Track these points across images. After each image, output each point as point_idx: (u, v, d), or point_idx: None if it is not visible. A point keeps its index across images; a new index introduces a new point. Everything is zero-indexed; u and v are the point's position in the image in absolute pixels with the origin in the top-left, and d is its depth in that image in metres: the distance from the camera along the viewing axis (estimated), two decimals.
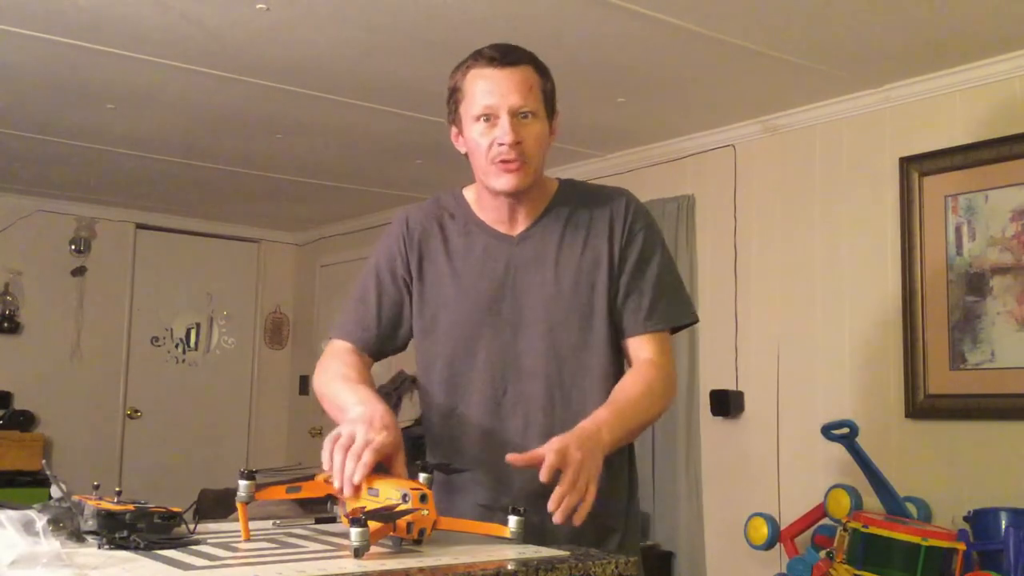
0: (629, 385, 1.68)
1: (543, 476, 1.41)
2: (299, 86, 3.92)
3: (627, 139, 4.64)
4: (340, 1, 3.11)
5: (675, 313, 1.77)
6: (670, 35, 3.29)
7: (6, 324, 6.02)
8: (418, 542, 1.33)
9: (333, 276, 6.86)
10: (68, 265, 6.29)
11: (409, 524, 1.30)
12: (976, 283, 3.50)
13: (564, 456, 1.42)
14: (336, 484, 1.40)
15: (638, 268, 1.73)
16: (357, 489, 1.38)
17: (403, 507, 1.30)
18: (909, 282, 3.66)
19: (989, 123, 3.51)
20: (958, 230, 3.57)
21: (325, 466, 1.42)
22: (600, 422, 1.55)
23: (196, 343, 6.89)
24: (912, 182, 3.70)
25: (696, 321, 1.82)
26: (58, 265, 6.26)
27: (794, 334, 4.06)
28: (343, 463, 1.38)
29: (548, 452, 1.42)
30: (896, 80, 3.72)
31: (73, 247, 6.30)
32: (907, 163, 3.72)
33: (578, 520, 1.41)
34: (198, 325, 6.91)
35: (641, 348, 1.73)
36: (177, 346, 6.80)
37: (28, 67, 3.76)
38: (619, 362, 1.77)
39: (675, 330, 1.79)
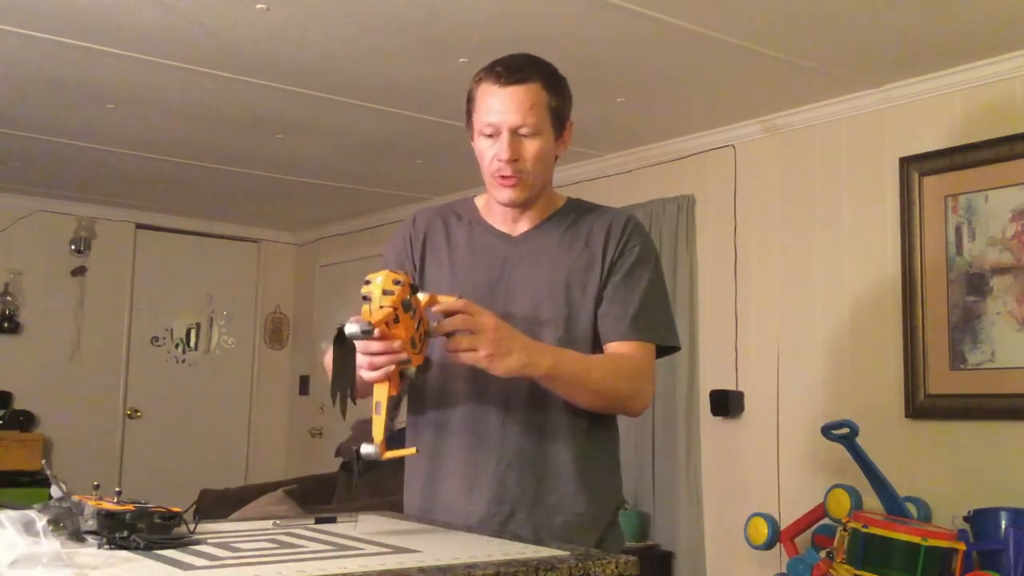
0: (598, 355, 1.73)
1: (437, 307, 1.52)
2: (299, 86, 3.92)
3: (627, 139, 4.64)
4: (340, 1, 3.11)
5: (662, 331, 1.78)
6: (670, 35, 3.29)
7: (6, 324, 6.03)
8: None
9: (333, 276, 6.86)
10: (68, 265, 6.29)
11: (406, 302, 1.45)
12: (976, 283, 3.50)
13: (476, 317, 1.51)
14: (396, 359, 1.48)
15: (627, 278, 1.76)
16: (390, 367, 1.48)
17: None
18: (909, 282, 3.66)
19: (989, 123, 3.51)
20: (958, 230, 3.57)
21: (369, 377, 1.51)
22: (551, 352, 1.61)
23: (196, 343, 6.89)
24: (912, 182, 3.70)
25: (679, 348, 1.82)
26: (58, 265, 6.26)
27: (794, 334, 4.06)
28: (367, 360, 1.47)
29: (468, 306, 1.52)
30: (896, 80, 3.72)
31: (73, 247, 6.30)
32: (907, 163, 3.72)
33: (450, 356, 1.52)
34: (198, 325, 6.91)
35: (622, 350, 1.73)
36: (177, 346, 6.81)
37: (28, 67, 3.76)
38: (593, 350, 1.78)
39: (660, 353, 1.78)
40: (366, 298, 1.45)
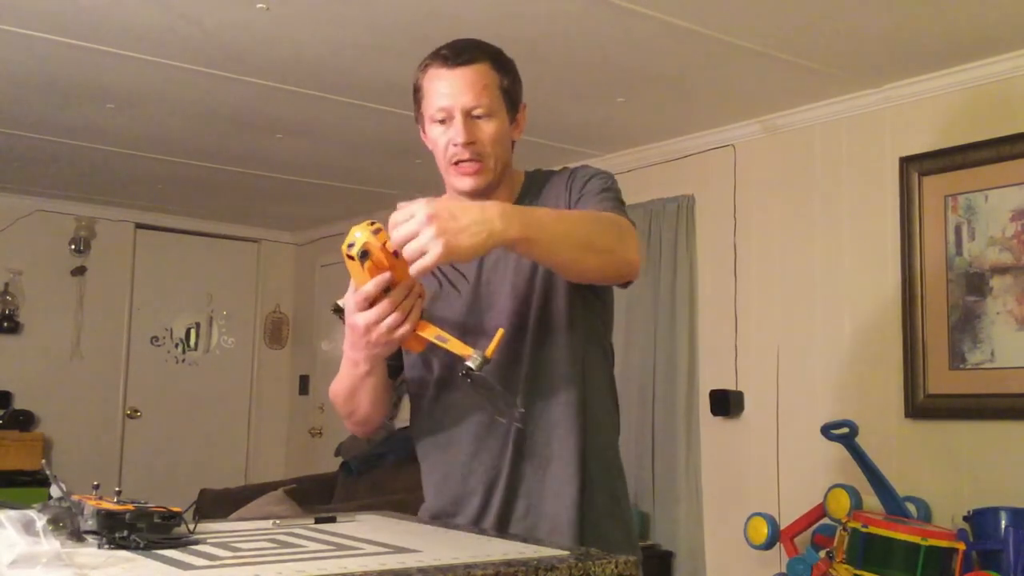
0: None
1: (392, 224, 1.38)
2: (299, 86, 3.92)
3: (627, 139, 4.64)
4: (340, 1, 3.11)
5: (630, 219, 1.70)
6: (670, 35, 3.29)
7: (6, 324, 6.02)
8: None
9: (333, 276, 6.86)
10: (68, 265, 6.29)
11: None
12: (976, 283, 3.50)
13: (407, 208, 1.35)
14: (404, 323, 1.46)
15: (588, 189, 1.69)
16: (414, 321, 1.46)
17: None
18: (909, 282, 3.66)
19: (989, 123, 3.51)
20: (958, 230, 3.57)
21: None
22: (509, 209, 1.41)
23: (196, 343, 6.89)
24: (912, 182, 3.70)
25: (631, 282, 1.70)
26: (58, 265, 6.26)
27: (794, 334, 4.06)
28: (391, 320, 1.44)
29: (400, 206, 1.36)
30: (896, 80, 3.72)
31: (73, 247, 6.30)
32: (907, 163, 3.72)
33: (415, 268, 1.34)
34: (198, 325, 6.91)
35: None
36: (177, 346, 6.81)
37: (28, 67, 3.76)
38: (583, 344, 1.69)
39: (622, 285, 1.69)
40: (365, 254, 1.39)
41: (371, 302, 1.44)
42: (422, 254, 1.32)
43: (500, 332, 1.45)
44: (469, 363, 1.41)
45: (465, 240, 1.33)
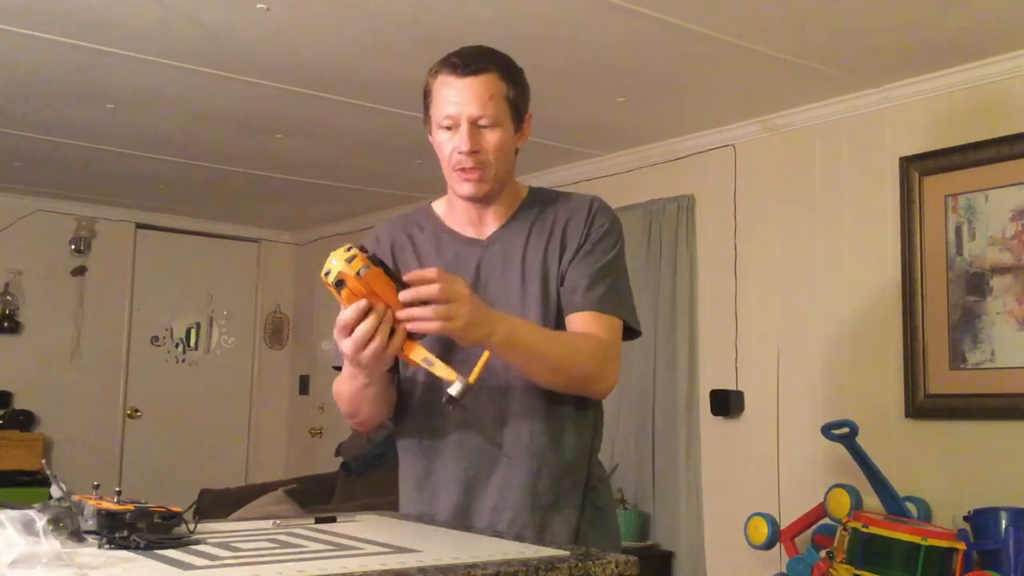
0: (561, 331, 1.67)
1: (410, 274, 1.46)
2: (299, 86, 3.92)
3: (627, 139, 4.64)
4: (340, 1, 3.11)
5: (627, 309, 1.73)
6: (670, 35, 3.29)
7: (6, 324, 6.02)
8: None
9: None
10: (68, 265, 6.29)
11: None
12: (976, 283, 3.50)
13: (451, 284, 1.46)
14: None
15: (591, 253, 1.71)
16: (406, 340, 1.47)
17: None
18: (909, 282, 3.66)
19: (989, 123, 3.51)
20: (958, 230, 3.57)
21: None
22: (506, 319, 1.54)
23: (196, 343, 6.89)
24: (912, 182, 3.70)
25: (640, 333, 1.77)
26: (58, 265, 6.26)
27: (794, 334, 4.06)
28: (374, 345, 1.45)
29: (441, 274, 1.46)
30: (896, 80, 3.72)
31: (73, 247, 6.30)
32: (907, 163, 3.72)
33: (414, 326, 1.45)
34: (198, 325, 6.91)
35: (588, 326, 1.67)
36: (177, 346, 6.81)
37: (28, 67, 3.76)
38: None
39: (627, 336, 1.73)
40: (340, 283, 1.41)
41: (351, 327, 1.46)
42: (446, 317, 1.44)
43: (486, 355, 1.47)
44: (451, 391, 1.42)
45: (478, 332, 1.48)
